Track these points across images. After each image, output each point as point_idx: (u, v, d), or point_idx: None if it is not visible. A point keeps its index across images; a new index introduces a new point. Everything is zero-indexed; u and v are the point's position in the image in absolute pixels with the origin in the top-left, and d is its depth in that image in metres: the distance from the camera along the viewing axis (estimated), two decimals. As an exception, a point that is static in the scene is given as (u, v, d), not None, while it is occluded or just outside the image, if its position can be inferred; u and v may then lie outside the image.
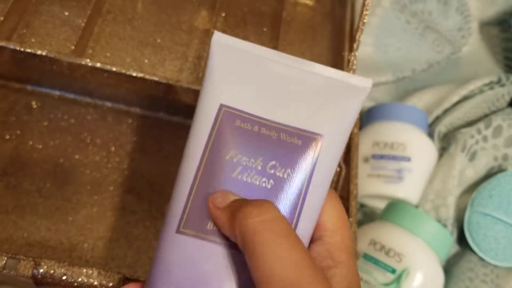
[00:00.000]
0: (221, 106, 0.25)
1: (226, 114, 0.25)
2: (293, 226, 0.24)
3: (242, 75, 0.26)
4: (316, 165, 0.25)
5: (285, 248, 0.20)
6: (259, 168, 0.25)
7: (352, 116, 0.26)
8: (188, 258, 0.24)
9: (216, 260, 0.24)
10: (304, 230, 0.25)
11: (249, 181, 0.24)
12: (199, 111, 0.26)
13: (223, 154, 0.25)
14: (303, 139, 0.25)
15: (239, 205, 0.22)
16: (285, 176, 0.25)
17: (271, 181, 0.24)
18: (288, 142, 0.25)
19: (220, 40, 0.26)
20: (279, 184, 0.24)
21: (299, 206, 0.24)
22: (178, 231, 0.24)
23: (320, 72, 0.26)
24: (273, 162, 0.25)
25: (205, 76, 0.26)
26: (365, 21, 0.42)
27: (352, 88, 0.25)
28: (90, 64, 0.38)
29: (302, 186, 0.25)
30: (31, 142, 0.46)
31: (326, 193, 0.25)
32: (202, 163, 0.25)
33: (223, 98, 0.25)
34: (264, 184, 0.24)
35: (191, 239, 0.24)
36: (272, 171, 0.25)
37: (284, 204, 0.24)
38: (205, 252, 0.24)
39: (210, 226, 0.24)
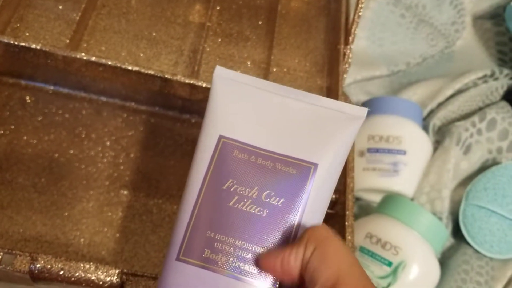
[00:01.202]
0: (220, 137, 0.27)
1: (225, 145, 0.26)
2: None
3: (241, 107, 0.27)
4: (311, 193, 0.26)
5: (348, 254, 0.24)
6: (255, 196, 0.26)
7: (346, 145, 0.27)
8: (187, 285, 0.25)
9: (213, 286, 0.25)
10: None
11: (245, 209, 0.26)
12: (200, 142, 0.27)
13: (221, 184, 0.26)
14: (297, 168, 0.26)
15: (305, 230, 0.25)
16: (280, 204, 0.26)
17: (266, 209, 0.26)
18: (283, 171, 0.26)
19: (222, 74, 0.28)
20: (274, 212, 0.26)
21: (293, 232, 0.26)
22: (178, 259, 0.26)
23: (316, 103, 0.27)
24: (268, 191, 0.26)
25: (207, 108, 0.27)
26: (360, 14, 0.42)
27: (347, 117, 0.27)
28: (85, 57, 0.38)
29: (297, 213, 0.26)
30: (25, 137, 0.46)
31: (321, 219, 0.26)
32: (201, 192, 0.26)
33: (222, 129, 0.27)
34: (259, 213, 0.26)
35: (190, 266, 0.25)
36: (267, 200, 0.26)
37: (279, 230, 0.25)
38: (202, 279, 0.25)
39: (207, 253, 0.25)
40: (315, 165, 0.26)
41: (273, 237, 0.25)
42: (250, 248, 0.25)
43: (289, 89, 0.27)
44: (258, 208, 0.26)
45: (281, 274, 0.25)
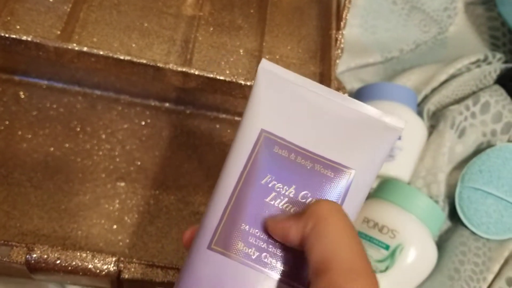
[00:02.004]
0: (262, 131, 0.26)
1: (266, 140, 0.26)
2: None
3: (283, 103, 0.27)
4: (346, 197, 0.26)
5: (347, 235, 0.22)
6: (291, 195, 0.26)
7: (383, 154, 0.27)
8: (216, 275, 0.25)
9: (243, 279, 0.25)
10: None
11: (281, 207, 0.25)
12: (240, 133, 0.27)
13: (259, 178, 0.26)
14: (335, 172, 0.26)
15: (310, 202, 0.25)
16: None
17: (302, 209, 0.25)
18: (321, 173, 0.26)
19: (266, 67, 0.27)
20: None
21: None
22: (209, 247, 0.25)
23: (357, 108, 0.27)
24: (305, 192, 0.26)
25: (249, 101, 0.27)
26: (351, -1, 0.42)
27: (386, 127, 0.26)
28: (76, 48, 0.38)
29: None
30: (20, 132, 0.46)
31: (355, 217, 0.26)
32: (239, 184, 0.26)
33: (264, 123, 0.26)
34: (294, 212, 0.25)
35: (221, 257, 0.25)
36: (303, 200, 0.26)
37: None
38: (233, 271, 0.25)
39: (240, 246, 0.25)
40: (353, 171, 0.26)
41: None
42: (283, 247, 0.25)
43: (333, 91, 0.27)
44: (293, 208, 0.25)
45: (282, 241, 0.25)
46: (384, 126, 0.26)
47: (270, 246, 0.25)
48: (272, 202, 0.25)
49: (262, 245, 0.25)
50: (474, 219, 0.47)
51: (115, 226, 0.43)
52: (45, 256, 0.35)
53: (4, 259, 0.35)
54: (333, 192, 0.26)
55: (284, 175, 0.26)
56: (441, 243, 0.47)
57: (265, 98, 0.27)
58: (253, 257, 0.25)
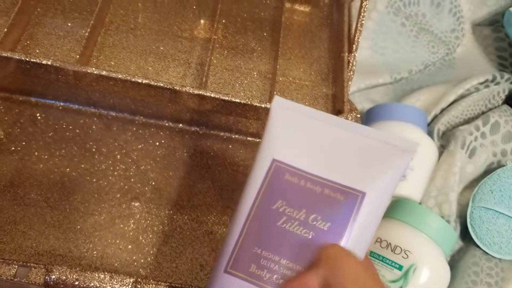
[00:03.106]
0: (273, 160, 0.28)
1: (277, 168, 0.28)
2: None
3: (294, 134, 0.29)
4: (357, 220, 0.26)
5: (362, 271, 0.24)
6: (302, 219, 0.27)
7: (395, 175, 0.27)
8: None
9: None
10: None
11: (292, 230, 0.27)
12: (255, 163, 0.29)
13: (271, 203, 0.27)
14: (345, 195, 0.27)
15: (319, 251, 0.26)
16: (326, 228, 0.26)
17: (312, 232, 0.26)
18: (331, 197, 0.27)
19: (279, 104, 0.29)
20: (320, 235, 0.26)
21: None
22: (225, 271, 0.27)
23: (367, 134, 0.28)
24: (315, 215, 0.27)
25: (264, 133, 0.29)
26: (363, 22, 0.43)
27: (398, 150, 0.27)
28: (95, 72, 0.39)
29: (341, 239, 0.26)
30: (36, 153, 0.47)
31: (365, 249, 0.27)
32: (252, 210, 0.27)
33: (276, 153, 0.28)
34: (305, 234, 0.26)
35: (236, 279, 0.26)
36: (314, 223, 0.26)
37: None
38: None
39: (253, 268, 0.26)
40: (363, 193, 0.27)
41: None
42: (294, 268, 0.26)
43: (342, 120, 0.28)
44: (304, 230, 0.26)
45: None
46: (396, 149, 0.27)
47: (281, 268, 0.26)
48: (283, 226, 0.27)
49: (274, 267, 0.26)
50: (486, 239, 0.47)
51: (130, 246, 0.44)
52: (64, 277, 0.35)
53: (23, 280, 0.35)
54: (343, 215, 0.26)
55: (295, 200, 0.27)
56: (453, 263, 0.47)
57: (277, 131, 0.29)
58: (265, 279, 0.26)
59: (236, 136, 0.51)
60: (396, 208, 0.46)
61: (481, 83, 0.56)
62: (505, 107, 0.54)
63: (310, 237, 0.26)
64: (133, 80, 0.39)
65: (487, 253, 0.47)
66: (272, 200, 0.27)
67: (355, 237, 0.26)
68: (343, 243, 0.26)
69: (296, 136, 0.29)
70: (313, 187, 0.27)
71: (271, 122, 0.29)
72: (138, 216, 0.45)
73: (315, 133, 0.28)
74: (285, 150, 0.28)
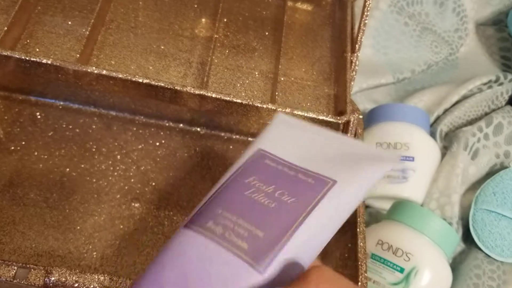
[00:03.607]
0: (259, 149, 0.30)
1: (260, 154, 0.30)
2: (280, 244, 0.26)
3: (284, 138, 0.31)
4: (321, 203, 0.27)
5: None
6: (269, 191, 0.28)
7: (370, 180, 0.28)
8: (183, 248, 0.27)
9: (204, 251, 0.26)
10: (290, 254, 0.26)
11: (257, 199, 0.28)
12: (243, 153, 0.31)
13: (245, 178, 0.29)
14: (316, 180, 0.28)
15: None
16: (289, 202, 0.27)
17: (275, 203, 0.27)
18: (302, 180, 0.28)
19: (280, 118, 0.32)
20: (281, 206, 0.27)
21: (292, 229, 0.26)
22: (184, 226, 0.28)
23: (356, 144, 0.29)
24: (283, 191, 0.28)
25: (258, 136, 0.31)
26: (366, 22, 0.42)
27: (378, 158, 0.28)
28: (96, 71, 0.39)
29: (302, 214, 0.26)
30: (36, 153, 0.46)
31: (325, 239, 0.27)
32: (226, 182, 0.29)
33: (263, 145, 0.30)
34: (268, 203, 0.27)
35: (191, 232, 0.27)
36: (279, 197, 0.27)
37: (279, 222, 0.26)
38: (197, 243, 0.26)
39: (209, 224, 0.27)
40: (334, 181, 0.27)
41: (273, 226, 0.26)
42: (249, 228, 0.26)
43: (336, 135, 0.30)
44: (268, 201, 0.27)
45: None
46: (376, 157, 0.28)
47: (236, 227, 0.26)
48: (249, 195, 0.28)
49: (229, 224, 0.27)
50: (488, 242, 0.47)
51: (130, 247, 0.43)
52: (63, 279, 0.35)
53: (22, 282, 0.35)
54: (309, 196, 0.27)
55: (268, 178, 0.28)
56: (455, 265, 0.47)
57: (271, 133, 0.31)
58: (217, 233, 0.26)
59: (237, 136, 0.50)
60: (397, 210, 0.46)
61: (484, 84, 0.55)
62: (509, 108, 0.54)
63: (272, 206, 0.27)
64: (134, 79, 0.39)
65: (489, 255, 0.46)
66: (247, 175, 0.29)
67: (316, 217, 0.26)
68: (302, 217, 0.26)
69: (285, 139, 0.31)
70: (288, 171, 0.29)
71: (268, 131, 0.31)
72: (138, 217, 0.45)
73: (307, 140, 0.30)
74: (272, 144, 0.30)
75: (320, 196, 0.27)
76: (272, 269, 0.25)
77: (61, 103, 0.49)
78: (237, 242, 0.26)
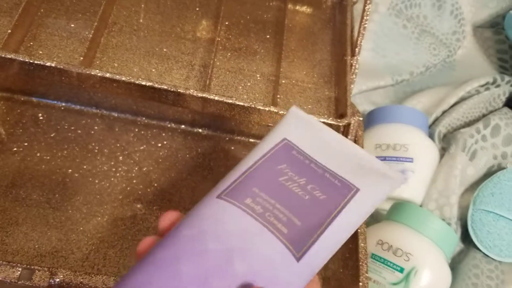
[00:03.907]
0: (284, 139, 0.30)
1: (286, 144, 0.30)
2: (316, 236, 0.26)
3: (305, 133, 0.31)
4: (348, 205, 0.28)
5: None
6: (302, 183, 0.28)
7: (379, 196, 0.29)
8: (219, 219, 0.26)
9: (245, 227, 0.26)
10: (320, 248, 0.26)
11: (291, 188, 0.28)
12: (264, 139, 0.30)
13: (276, 164, 0.29)
14: (342, 184, 0.28)
15: None
16: (321, 198, 0.28)
17: (308, 196, 0.28)
18: (330, 180, 0.29)
19: (295, 110, 0.32)
20: (314, 201, 0.27)
21: (325, 225, 0.27)
22: (219, 197, 0.27)
23: (364, 154, 0.30)
24: (314, 185, 0.28)
25: (276, 125, 0.31)
26: (365, 25, 0.43)
27: (387, 174, 0.29)
28: (99, 74, 0.39)
29: (332, 212, 0.27)
30: (38, 154, 0.46)
31: (345, 236, 0.28)
32: (260, 160, 0.29)
33: (287, 135, 0.30)
34: (302, 195, 0.28)
35: (228, 204, 0.27)
36: (311, 190, 0.28)
37: (314, 216, 0.27)
38: (236, 217, 0.26)
39: (248, 201, 0.27)
40: (357, 189, 0.28)
41: (309, 218, 0.27)
42: (287, 214, 0.27)
43: (345, 139, 0.30)
44: (302, 192, 0.28)
45: None
46: (386, 173, 0.29)
47: (275, 210, 0.27)
48: (284, 182, 0.28)
49: (268, 206, 0.27)
50: (486, 242, 0.47)
51: (132, 248, 0.44)
52: (68, 280, 0.35)
53: (27, 283, 0.35)
54: (338, 197, 0.28)
55: (298, 169, 0.29)
56: (454, 265, 0.48)
57: (291, 125, 0.31)
58: (257, 212, 0.26)
59: (238, 137, 0.51)
60: (397, 211, 0.46)
61: (482, 86, 0.56)
62: (506, 109, 0.54)
63: (306, 198, 0.27)
64: (137, 82, 0.39)
65: (487, 255, 0.47)
66: (278, 162, 0.29)
67: (340, 219, 0.27)
68: (331, 217, 0.27)
69: (306, 135, 0.30)
70: (315, 168, 0.29)
71: (286, 120, 0.31)
72: (140, 217, 0.45)
73: (323, 138, 0.30)
74: (295, 136, 0.30)
75: (346, 200, 0.28)
76: (307, 258, 0.26)
77: (63, 104, 0.49)
78: (277, 225, 0.26)
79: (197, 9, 0.48)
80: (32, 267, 0.36)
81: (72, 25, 0.44)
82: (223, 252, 0.25)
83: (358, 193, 0.28)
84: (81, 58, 0.41)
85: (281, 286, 0.25)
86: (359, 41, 0.44)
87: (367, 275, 0.39)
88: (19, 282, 0.36)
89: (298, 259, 0.25)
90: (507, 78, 0.57)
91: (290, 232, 0.26)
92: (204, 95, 0.40)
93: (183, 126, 0.50)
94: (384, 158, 0.49)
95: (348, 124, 0.42)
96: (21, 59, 0.39)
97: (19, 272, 0.36)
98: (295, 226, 0.26)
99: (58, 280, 0.35)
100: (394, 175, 0.29)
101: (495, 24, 0.63)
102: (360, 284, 0.39)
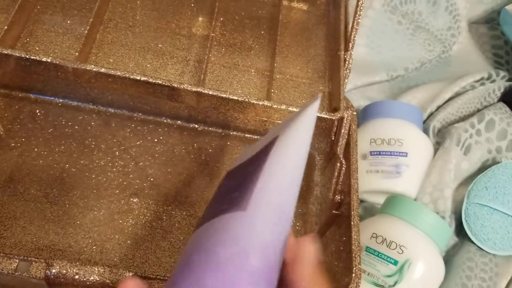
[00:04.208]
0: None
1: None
2: (252, 185, 0.28)
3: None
4: (272, 150, 0.29)
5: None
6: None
7: (307, 123, 0.30)
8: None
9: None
10: (264, 192, 0.27)
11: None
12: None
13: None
14: (269, 144, 0.31)
15: None
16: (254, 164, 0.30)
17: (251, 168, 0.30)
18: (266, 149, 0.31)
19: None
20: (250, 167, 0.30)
21: (262, 171, 0.28)
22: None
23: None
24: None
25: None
26: (359, 20, 0.43)
27: (304, 107, 0.30)
28: (94, 69, 0.39)
29: (264, 163, 0.29)
30: (36, 149, 0.47)
31: (290, 173, 0.29)
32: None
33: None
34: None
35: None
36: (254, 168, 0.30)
37: (251, 175, 0.29)
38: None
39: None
40: (277, 136, 0.30)
41: (246, 179, 0.29)
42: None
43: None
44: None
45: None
46: (303, 107, 0.31)
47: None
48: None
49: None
50: (480, 235, 0.47)
51: (129, 241, 0.44)
52: (64, 271, 0.35)
53: (24, 274, 0.36)
54: (265, 153, 0.30)
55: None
56: (448, 258, 0.48)
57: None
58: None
59: (234, 133, 0.51)
60: (391, 204, 0.46)
61: (477, 81, 0.56)
62: (500, 104, 0.55)
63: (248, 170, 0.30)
64: (132, 77, 0.40)
65: (481, 248, 0.47)
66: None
67: (272, 162, 0.29)
68: (262, 166, 0.29)
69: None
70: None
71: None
72: (136, 211, 0.46)
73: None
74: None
75: (271, 149, 0.29)
76: (252, 204, 0.27)
77: (61, 100, 0.50)
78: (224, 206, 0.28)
79: (192, 5, 0.49)
80: (29, 258, 0.36)
81: (68, 22, 0.44)
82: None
83: (278, 137, 0.30)
84: (77, 53, 0.41)
85: (246, 239, 0.26)
86: (352, 36, 0.44)
87: (360, 266, 0.39)
88: (16, 274, 0.36)
89: (245, 209, 0.26)
90: (502, 73, 0.57)
91: (235, 201, 0.28)
92: (198, 90, 0.40)
93: (179, 121, 0.50)
94: (378, 153, 0.49)
95: (342, 118, 0.42)
96: (18, 55, 0.39)
97: (16, 264, 0.36)
98: (238, 194, 0.28)
99: (54, 271, 0.35)
100: (309, 103, 0.30)
101: (490, 20, 0.63)
102: (353, 275, 0.39)
